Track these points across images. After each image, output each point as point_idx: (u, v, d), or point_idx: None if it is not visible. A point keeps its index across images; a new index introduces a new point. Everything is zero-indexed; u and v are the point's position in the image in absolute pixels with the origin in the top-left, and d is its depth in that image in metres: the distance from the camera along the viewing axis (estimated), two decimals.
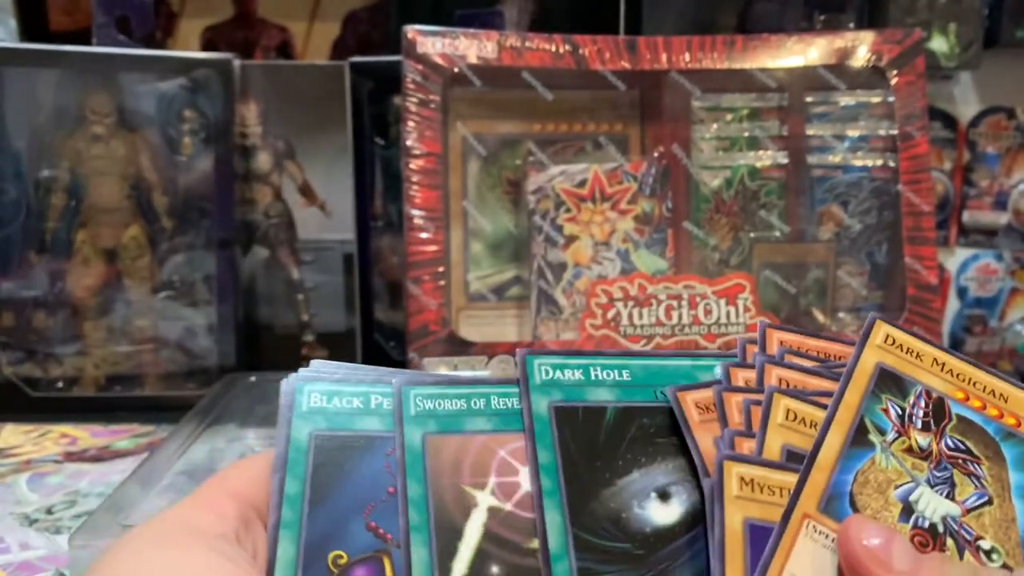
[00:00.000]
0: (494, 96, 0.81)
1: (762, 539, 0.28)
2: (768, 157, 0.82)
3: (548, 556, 0.27)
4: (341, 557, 0.28)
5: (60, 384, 0.83)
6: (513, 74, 0.79)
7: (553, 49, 0.78)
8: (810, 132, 0.82)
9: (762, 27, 0.94)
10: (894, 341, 0.33)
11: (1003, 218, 1.08)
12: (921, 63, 0.80)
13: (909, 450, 0.30)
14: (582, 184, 0.79)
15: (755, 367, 0.33)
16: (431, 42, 0.77)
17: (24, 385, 0.81)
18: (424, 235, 0.75)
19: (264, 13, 1.06)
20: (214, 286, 0.84)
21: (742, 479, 0.29)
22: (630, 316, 0.75)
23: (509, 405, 0.31)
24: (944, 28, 0.99)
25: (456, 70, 0.77)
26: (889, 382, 0.32)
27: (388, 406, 0.31)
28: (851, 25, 0.98)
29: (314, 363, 0.32)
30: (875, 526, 0.28)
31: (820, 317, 0.81)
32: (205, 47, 1.04)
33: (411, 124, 0.76)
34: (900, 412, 0.31)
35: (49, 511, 0.63)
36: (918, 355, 0.33)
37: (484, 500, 0.29)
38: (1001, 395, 0.33)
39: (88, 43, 0.84)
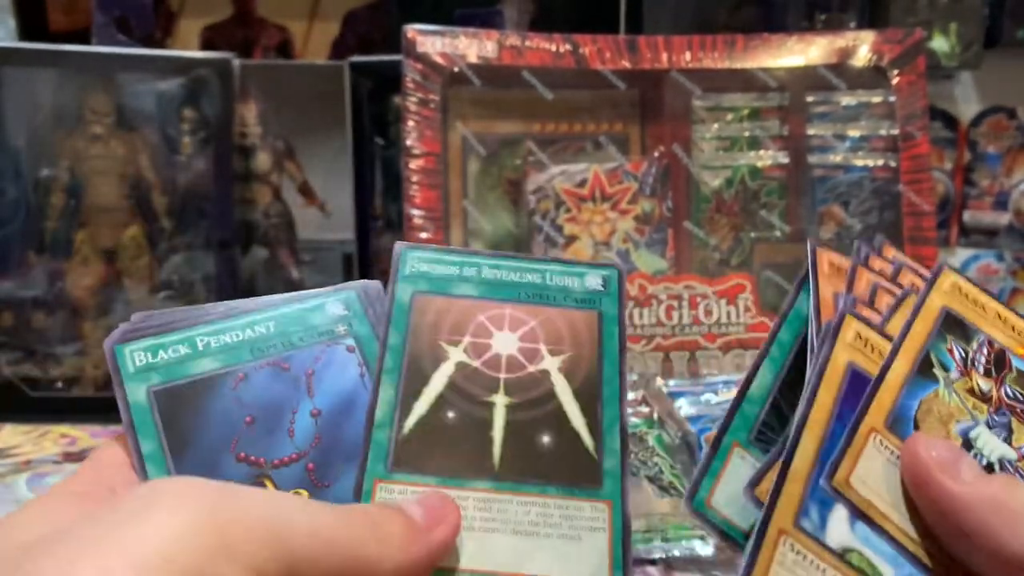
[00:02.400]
0: (494, 96, 0.81)
1: (859, 385, 0.29)
2: (769, 157, 0.82)
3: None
4: None
5: (59, 384, 0.83)
6: (513, 73, 0.79)
7: (553, 48, 0.78)
8: (811, 132, 0.82)
9: (763, 26, 0.94)
10: (961, 289, 0.33)
11: (1004, 218, 1.08)
12: (922, 63, 0.80)
13: (971, 391, 0.31)
14: (582, 184, 0.79)
15: (892, 263, 0.34)
16: (431, 41, 0.77)
17: (23, 385, 0.81)
18: (424, 235, 0.75)
19: (263, 12, 1.06)
20: (213, 286, 0.84)
21: (858, 334, 0.30)
22: (630, 316, 0.75)
23: (498, 276, 0.33)
24: (945, 28, 0.99)
25: (456, 69, 0.77)
26: (954, 326, 0.32)
27: (216, 344, 0.31)
28: (852, 25, 0.98)
29: (134, 317, 0.31)
30: (943, 442, 0.28)
31: None
32: (204, 46, 1.04)
33: (411, 124, 0.76)
34: (964, 355, 0.32)
35: None
36: (983, 307, 0.33)
37: (455, 355, 0.31)
38: None
39: (87, 43, 0.84)
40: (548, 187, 0.78)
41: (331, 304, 0.32)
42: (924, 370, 0.30)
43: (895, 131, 0.80)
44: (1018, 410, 0.31)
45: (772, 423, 0.32)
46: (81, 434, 0.77)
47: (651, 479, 0.59)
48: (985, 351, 0.32)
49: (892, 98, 0.80)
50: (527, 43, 0.78)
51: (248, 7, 1.06)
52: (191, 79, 0.82)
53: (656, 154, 0.81)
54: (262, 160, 0.89)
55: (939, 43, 0.99)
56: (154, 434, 0.29)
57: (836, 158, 0.82)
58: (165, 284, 0.84)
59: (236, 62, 0.84)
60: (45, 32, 0.98)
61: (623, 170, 0.79)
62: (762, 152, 0.82)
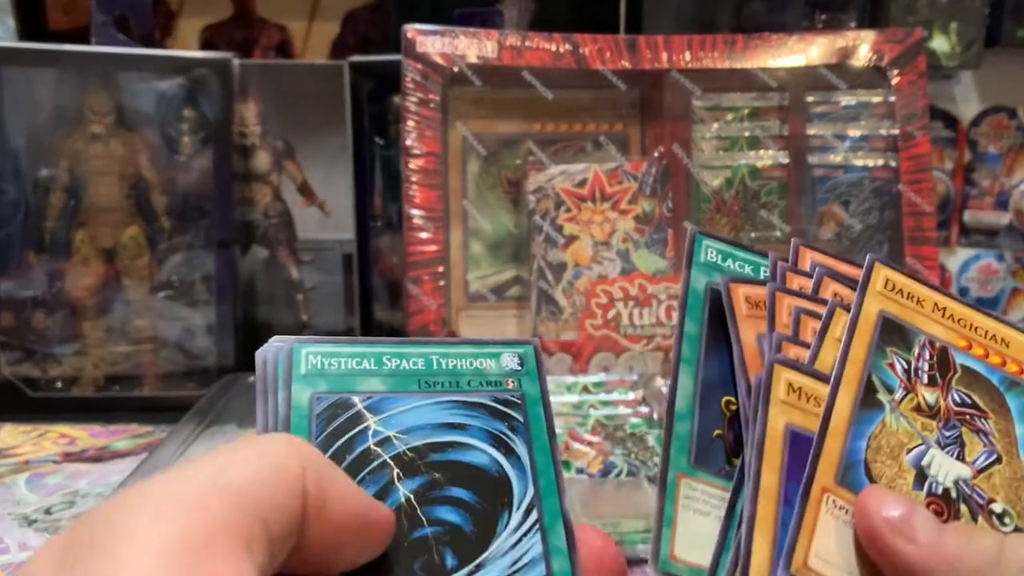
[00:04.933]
0: (494, 96, 0.81)
1: (801, 448, 0.28)
2: (769, 157, 0.82)
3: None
4: None
5: (59, 384, 0.83)
6: (513, 73, 0.79)
7: (553, 48, 0.78)
8: (811, 132, 0.82)
9: (763, 26, 0.93)
10: (895, 286, 0.32)
11: (1004, 218, 1.08)
12: (922, 62, 0.80)
13: (918, 409, 0.30)
14: (582, 184, 0.79)
15: (811, 275, 0.32)
16: (431, 41, 0.77)
17: (23, 385, 0.81)
18: (424, 235, 0.75)
19: (263, 12, 1.06)
20: (213, 286, 0.84)
21: (790, 385, 0.29)
22: (630, 316, 0.75)
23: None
24: (945, 27, 0.99)
25: (456, 69, 0.77)
26: (893, 333, 0.31)
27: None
28: (852, 24, 0.98)
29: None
30: (894, 497, 0.27)
31: None
32: (204, 46, 1.04)
33: (411, 124, 0.76)
34: (906, 366, 0.30)
35: (48, 511, 0.62)
36: (919, 301, 0.32)
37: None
38: (1003, 340, 0.32)
39: (87, 42, 0.84)
40: (548, 187, 0.78)
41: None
42: (868, 400, 0.29)
43: (895, 131, 0.80)
44: (967, 417, 0.30)
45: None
46: (81, 434, 0.77)
47: (651, 479, 0.59)
48: (927, 354, 0.31)
49: (892, 98, 0.80)
50: (527, 43, 0.78)
51: (248, 7, 1.06)
52: (191, 79, 0.82)
53: (656, 154, 0.81)
54: (262, 160, 0.89)
55: (939, 43, 0.99)
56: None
57: (836, 158, 0.82)
58: (165, 284, 0.84)
59: (236, 62, 0.84)
60: (44, 31, 0.98)
61: (623, 170, 0.79)
62: (762, 152, 0.82)
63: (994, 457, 0.30)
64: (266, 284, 0.91)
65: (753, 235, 0.81)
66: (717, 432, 0.31)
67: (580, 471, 0.61)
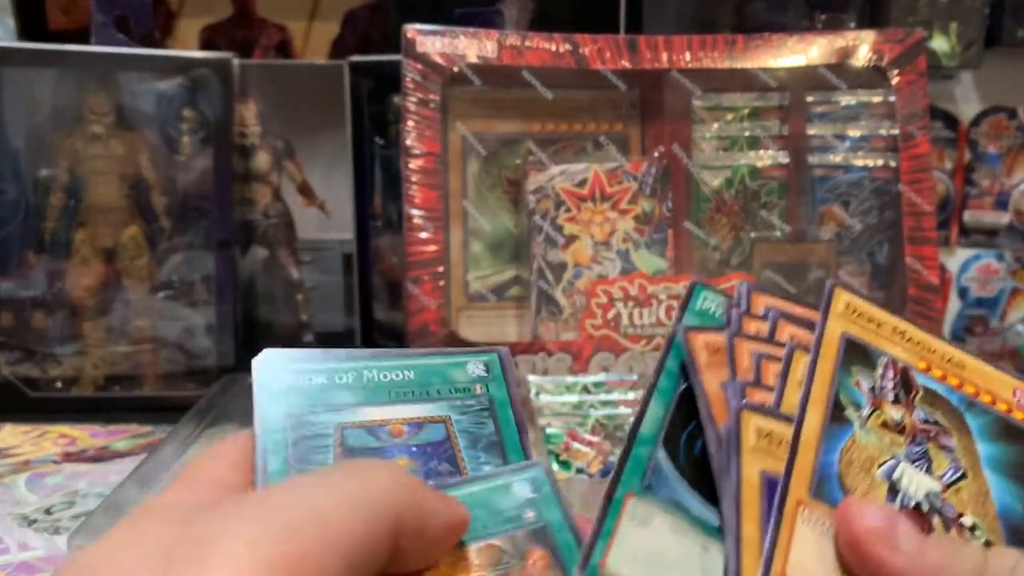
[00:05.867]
0: (494, 96, 0.80)
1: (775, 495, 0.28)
2: (769, 157, 0.82)
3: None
4: None
5: (59, 384, 0.83)
6: (513, 73, 0.79)
7: (553, 48, 0.78)
8: (811, 132, 0.82)
9: (763, 26, 0.93)
10: (855, 310, 0.33)
11: (1004, 218, 1.08)
12: (922, 62, 0.80)
13: (885, 425, 0.30)
14: (582, 184, 0.79)
15: (766, 319, 0.33)
16: (431, 41, 0.77)
17: (23, 385, 0.81)
18: (424, 235, 0.75)
19: (263, 12, 1.06)
20: (213, 286, 0.84)
21: (759, 431, 0.28)
22: (630, 316, 0.75)
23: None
24: (945, 27, 0.99)
25: (456, 69, 0.77)
26: (857, 353, 0.31)
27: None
28: (852, 24, 0.98)
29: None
30: (874, 507, 0.27)
31: None
32: (204, 46, 1.04)
33: (411, 124, 0.76)
34: (871, 384, 0.31)
35: (48, 511, 0.62)
36: (879, 324, 0.33)
37: None
38: (959, 363, 0.33)
39: (87, 42, 0.84)
40: (548, 187, 0.78)
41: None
42: (837, 416, 0.30)
43: (895, 131, 0.80)
44: (932, 434, 0.31)
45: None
46: (80, 434, 0.77)
47: None
48: (891, 375, 0.31)
49: (892, 98, 0.80)
50: (527, 43, 0.78)
51: (248, 7, 1.06)
52: (191, 79, 0.82)
53: (656, 154, 0.81)
54: (262, 160, 0.89)
55: (939, 43, 0.99)
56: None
57: (836, 158, 0.82)
58: (165, 284, 0.84)
59: (236, 62, 0.84)
60: (44, 31, 0.98)
61: (623, 170, 0.79)
62: (762, 152, 0.82)
63: (960, 472, 0.30)
64: (266, 284, 0.91)
65: (753, 235, 0.81)
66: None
67: (580, 471, 0.61)
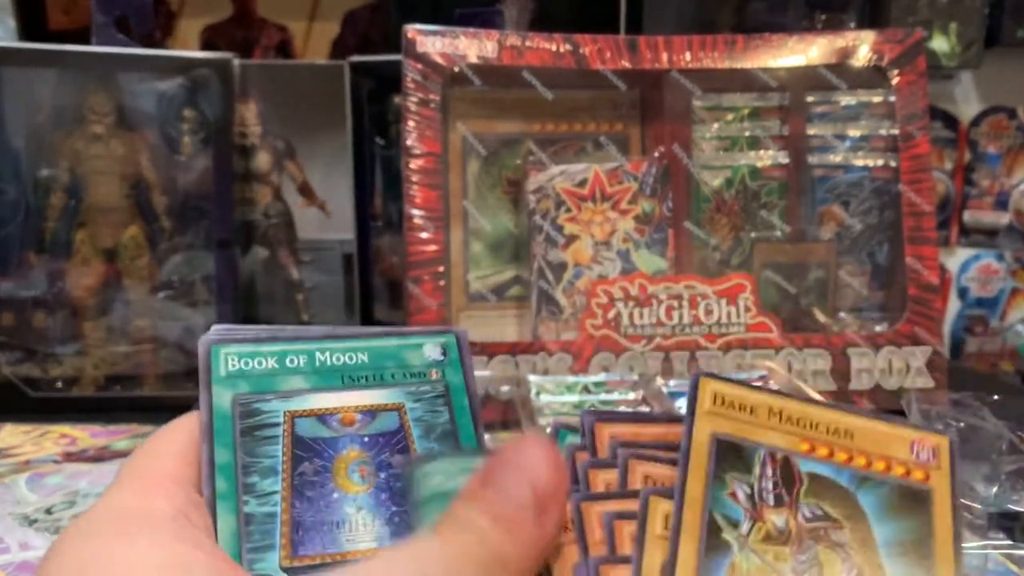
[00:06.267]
0: (494, 96, 0.81)
1: None
2: (769, 157, 0.82)
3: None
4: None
5: (59, 384, 0.83)
6: (513, 73, 0.79)
7: (553, 48, 0.78)
8: (811, 132, 0.82)
9: (763, 26, 0.94)
10: (723, 399, 0.30)
11: (1004, 218, 1.08)
12: (922, 63, 0.80)
13: (768, 538, 0.28)
14: (582, 184, 0.79)
15: (616, 465, 0.29)
16: (431, 41, 0.77)
17: (23, 385, 0.81)
18: (424, 235, 0.75)
19: (263, 12, 1.06)
20: (213, 286, 0.84)
21: None
22: (630, 316, 0.75)
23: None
24: (945, 28, 0.99)
25: (456, 69, 0.77)
26: (730, 455, 0.29)
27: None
28: (852, 24, 0.98)
29: (217, 327, 0.31)
30: None
31: (821, 317, 0.80)
32: (204, 46, 1.04)
33: (411, 124, 0.76)
34: (748, 491, 0.28)
35: (48, 511, 0.62)
36: (751, 410, 0.30)
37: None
38: (847, 432, 0.30)
39: (87, 42, 0.84)
40: (548, 187, 0.78)
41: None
42: (713, 543, 0.27)
43: (895, 131, 0.80)
44: (821, 533, 0.28)
45: None
46: (81, 434, 0.77)
47: None
48: (769, 471, 0.29)
49: (892, 98, 0.80)
50: (527, 43, 0.78)
51: (248, 7, 1.06)
52: (191, 79, 0.82)
53: (656, 154, 0.81)
54: (262, 160, 0.89)
55: (939, 43, 0.99)
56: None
57: (836, 158, 0.82)
58: (165, 284, 0.84)
59: (236, 62, 0.84)
60: (44, 31, 0.98)
61: (623, 170, 0.79)
62: (762, 152, 0.82)
63: (855, 572, 0.28)
64: (266, 284, 0.91)
65: (753, 235, 0.81)
66: None
67: None
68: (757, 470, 0.29)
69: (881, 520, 0.29)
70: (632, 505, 0.28)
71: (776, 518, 0.28)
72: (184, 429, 0.29)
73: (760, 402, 0.30)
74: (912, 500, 0.29)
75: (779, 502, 0.28)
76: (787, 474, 0.29)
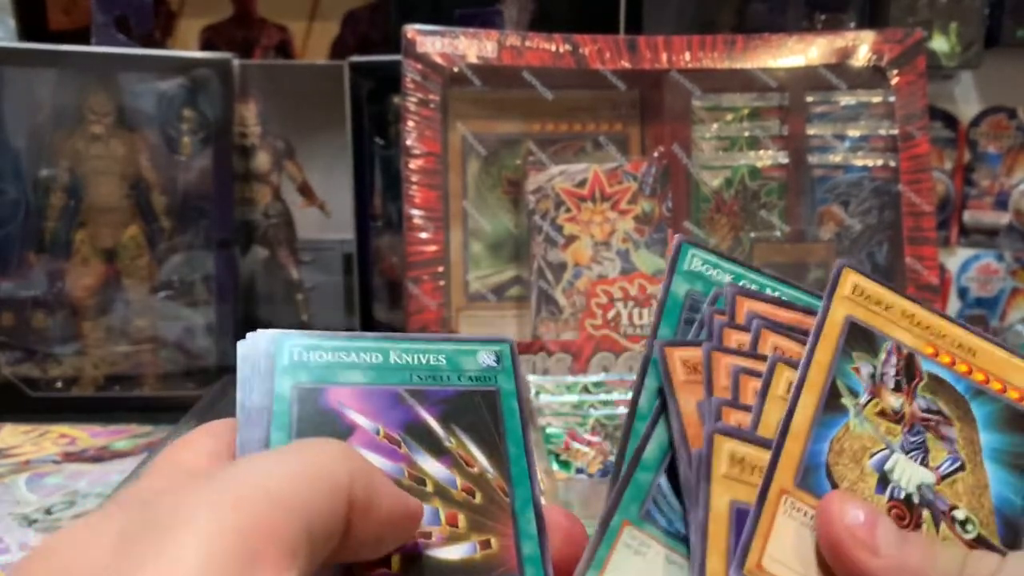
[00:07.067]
0: (494, 96, 0.81)
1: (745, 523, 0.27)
2: (768, 157, 0.82)
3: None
4: None
5: (59, 384, 0.83)
6: (513, 74, 0.79)
7: (553, 48, 0.78)
8: (811, 132, 0.82)
9: (763, 27, 0.94)
10: (863, 292, 0.31)
11: (1004, 218, 1.08)
12: (922, 63, 0.80)
13: (882, 413, 0.29)
14: (582, 184, 0.79)
15: (749, 329, 0.31)
16: (431, 41, 0.77)
17: (23, 385, 0.81)
18: (424, 235, 0.75)
19: (263, 12, 1.06)
20: (213, 286, 0.84)
21: (732, 456, 0.27)
22: (630, 316, 0.75)
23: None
24: (945, 28, 0.99)
25: (456, 70, 0.77)
26: (859, 337, 0.30)
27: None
28: (852, 25, 0.98)
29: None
30: (858, 505, 0.27)
31: None
32: (204, 46, 1.04)
33: (411, 124, 0.76)
34: (872, 371, 0.30)
35: (48, 511, 0.62)
36: (887, 307, 0.32)
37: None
38: (970, 349, 0.32)
39: (87, 42, 0.84)
40: (548, 187, 0.78)
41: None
42: (832, 403, 0.29)
43: (895, 131, 0.80)
44: (932, 423, 0.30)
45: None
46: (81, 434, 0.77)
47: None
48: (894, 360, 0.30)
49: (892, 98, 0.80)
50: (527, 43, 0.78)
51: (248, 7, 1.06)
52: (191, 79, 0.82)
53: (656, 154, 0.81)
54: (262, 160, 0.89)
55: (939, 43, 0.99)
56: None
57: (836, 158, 0.82)
58: (165, 284, 0.84)
59: (236, 62, 0.84)
60: (45, 32, 0.98)
61: (623, 170, 0.79)
62: (762, 152, 0.82)
63: (958, 464, 0.30)
64: (266, 284, 0.91)
65: (753, 235, 0.81)
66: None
67: (580, 471, 0.61)
68: (883, 356, 0.30)
69: (989, 430, 0.30)
70: (759, 366, 0.29)
71: (893, 399, 0.30)
72: (212, 430, 0.30)
73: (895, 302, 0.32)
74: (1020, 422, 0.31)
75: (898, 388, 0.30)
76: (909, 367, 0.31)
